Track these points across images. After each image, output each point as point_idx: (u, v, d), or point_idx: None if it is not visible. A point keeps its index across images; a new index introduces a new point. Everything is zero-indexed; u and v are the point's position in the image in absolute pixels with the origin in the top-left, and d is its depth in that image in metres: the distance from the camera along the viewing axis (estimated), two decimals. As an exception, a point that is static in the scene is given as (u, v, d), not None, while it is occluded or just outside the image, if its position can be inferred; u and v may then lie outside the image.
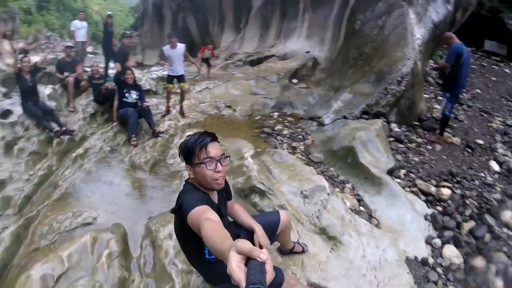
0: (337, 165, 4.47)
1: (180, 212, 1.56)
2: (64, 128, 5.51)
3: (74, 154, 4.98)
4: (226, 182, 1.92)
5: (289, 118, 6.37)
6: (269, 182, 3.55)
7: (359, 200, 3.87)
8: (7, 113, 5.62)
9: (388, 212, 3.64)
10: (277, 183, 3.59)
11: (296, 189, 3.43)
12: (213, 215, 1.38)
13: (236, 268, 0.81)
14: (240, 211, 2.05)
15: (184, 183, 1.75)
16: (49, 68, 9.07)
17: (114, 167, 4.72)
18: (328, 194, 3.38)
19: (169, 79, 6.29)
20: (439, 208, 3.96)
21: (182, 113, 6.32)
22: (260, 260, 0.82)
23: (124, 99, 5.67)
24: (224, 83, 8.13)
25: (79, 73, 6.64)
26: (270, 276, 0.81)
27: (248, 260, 0.83)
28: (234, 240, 0.99)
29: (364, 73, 6.45)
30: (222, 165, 1.61)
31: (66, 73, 6.57)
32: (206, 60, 9.92)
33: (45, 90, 6.51)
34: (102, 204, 3.62)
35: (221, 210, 1.79)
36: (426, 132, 5.74)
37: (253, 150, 4.34)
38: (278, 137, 5.38)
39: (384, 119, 5.66)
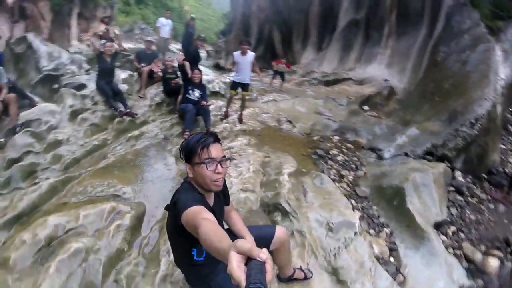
0: (381, 204, 4.14)
1: (174, 210, 1.60)
2: (128, 110, 6.13)
3: (130, 134, 5.52)
4: (225, 185, 1.95)
5: (348, 145, 6.11)
6: (296, 204, 3.45)
7: (392, 250, 3.49)
8: (82, 86, 6.55)
9: (420, 272, 3.24)
10: (306, 207, 3.48)
11: (324, 218, 3.28)
12: (209, 215, 1.40)
13: (236, 268, 0.82)
14: (235, 219, 2.03)
15: (182, 181, 1.81)
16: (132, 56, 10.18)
17: (161, 153, 5.08)
18: (356, 233, 3.17)
19: (234, 85, 6.55)
20: (480, 282, 3.40)
21: (240, 119, 6.53)
22: (260, 260, 0.83)
23: (187, 95, 6.09)
24: (292, 98, 8.23)
25: (154, 66, 7.27)
26: (270, 275, 0.82)
27: (248, 260, 0.84)
28: None
29: (439, 110, 5.99)
30: (222, 167, 1.63)
31: (142, 64, 7.27)
32: (280, 74, 10.11)
33: (121, 74, 7.36)
34: (136, 183, 3.93)
35: (216, 214, 1.78)
36: (492, 187, 5.10)
37: (294, 168, 4.30)
38: (329, 162, 5.19)
39: (449, 165, 5.11)
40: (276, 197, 3.52)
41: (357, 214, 3.74)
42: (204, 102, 6.07)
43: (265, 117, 7.17)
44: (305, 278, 2.56)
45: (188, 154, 1.65)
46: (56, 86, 6.87)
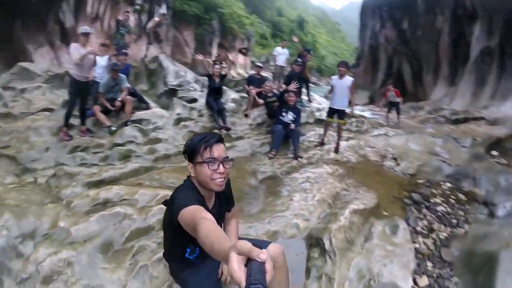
0: (463, 277, 3.30)
1: (171, 206, 1.70)
2: (225, 125, 6.95)
3: None
4: (230, 190, 2.02)
5: (460, 195, 5.29)
6: (343, 245, 3.15)
7: None
8: (193, 100, 7.82)
9: None
10: (356, 253, 3.17)
11: (368, 272, 2.92)
12: (208, 215, 1.46)
13: (237, 269, 0.87)
14: (231, 228, 2.06)
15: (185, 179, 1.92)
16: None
17: (240, 165, 5.44)
18: None
19: (330, 112, 6.59)
20: None
21: (336, 149, 6.47)
22: (260, 260, 0.87)
23: (281, 117, 6.44)
24: (406, 134, 7.70)
25: (261, 90, 8.01)
26: (270, 276, 0.86)
27: (248, 260, 0.89)
28: None
29: None
30: (224, 167, 1.70)
31: (251, 86, 8.13)
32: (395, 105, 9.59)
33: (232, 94, 8.32)
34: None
35: (214, 217, 1.87)
36: None
37: (367, 207, 3.99)
38: (424, 210, 4.61)
39: None
40: (323, 231, 3.30)
41: (424, 281, 3.16)
42: (292, 125, 6.27)
43: (368, 150, 6.91)
44: None
45: (191, 153, 1.73)
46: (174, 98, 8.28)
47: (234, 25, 23.91)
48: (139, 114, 6.54)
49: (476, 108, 10.56)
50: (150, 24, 10.37)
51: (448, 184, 5.57)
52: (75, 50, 5.30)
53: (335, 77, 6.43)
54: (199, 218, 1.39)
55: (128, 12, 9.73)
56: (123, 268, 2.50)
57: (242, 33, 25.74)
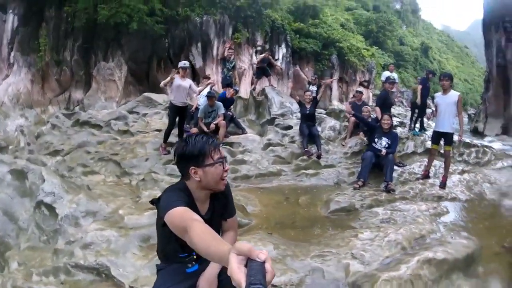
0: None
1: (158, 206, 1.63)
2: (318, 151, 6.76)
3: (306, 171, 6.09)
4: (229, 195, 1.84)
5: None
6: None
7: None
8: (289, 127, 7.87)
9: None
10: None
11: None
12: (197, 217, 1.40)
13: (236, 270, 0.85)
14: (228, 237, 1.85)
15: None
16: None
17: (315, 195, 5.25)
18: None
19: (434, 136, 5.58)
20: None
21: (442, 184, 5.32)
22: (259, 260, 0.86)
23: (373, 144, 5.81)
24: None
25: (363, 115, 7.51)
26: (270, 276, 0.84)
27: (248, 260, 0.87)
28: None
29: None
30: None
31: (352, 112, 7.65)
32: None
33: (330, 121, 8.05)
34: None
35: (206, 223, 1.72)
36: None
37: (446, 257, 2.83)
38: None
39: None
40: (368, 278, 2.59)
41: None
42: (384, 151, 5.55)
43: (486, 187, 5.49)
44: None
45: (197, 157, 1.60)
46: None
47: (354, 58, 23.31)
48: (233, 138, 6.99)
49: None
50: (257, 60, 11.16)
51: None
52: (174, 83, 6.23)
53: (438, 94, 5.50)
54: (190, 219, 1.33)
55: (231, 49, 10.68)
56: (148, 259, 2.71)
57: (363, 66, 24.95)
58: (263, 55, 11.20)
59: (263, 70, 11.23)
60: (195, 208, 1.64)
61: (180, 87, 6.27)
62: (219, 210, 1.80)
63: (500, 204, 5.07)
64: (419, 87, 8.66)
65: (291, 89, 19.95)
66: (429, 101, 9.28)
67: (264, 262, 0.84)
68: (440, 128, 5.36)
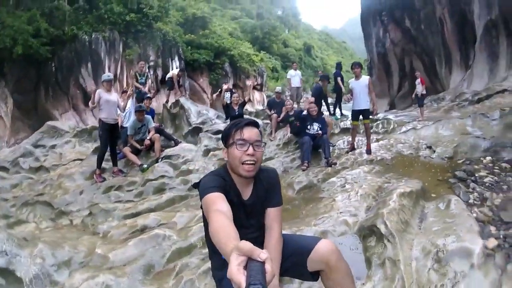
0: None
1: (198, 189, 1.62)
2: None
3: None
4: (275, 184, 1.76)
5: (503, 165, 4.94)
6: (399, 227, 2.84)
7: None
8: (219, 132, 7.72)
9: None
10: (415, 233, 2.87)
11: (433, 246, 2.58)
12: (223, 206, 1.37)
13: (236, 271, 0.84)
14: (272, 237, 1.71)
15: None
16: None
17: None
18: (472, 265, 2.32)
19: (354, 114, 6.36)
20: None
21: (368, 151, 6.16)
22: (260, 260, 0.85)
23: (307, 130, 6.29)
24: (434, 123, 7.38)
25: (284, 112, 7.94)
26: (270, 276, 0.83)
27: (249, 260, 0.87)
28: None
29: None
30: (254, 150, 1.56)
31: (273, 111, 8.11)
32: (417, 98, 9.29)
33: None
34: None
35: (247, 208, 1.68)
36: None
37: (413, 189, 3.67)
38: (471, 185, 4.26)
39: None
40: (373, 218, 3.00)
41: (492, 242, 2.75)
42: (319, 131, 6.10)
43: (401, 147, 6.54)
44: None
45: (224, 137, 1.66)
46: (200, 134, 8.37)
47: (245, 64, 24.46)
48: (169, 151, 6.58)
49: (496, 82, 10.12)
50: (169, 75, 10.87)
51: (489, 158, 5.24)
52: (97, 94, 5.53)
53: (352, 80, 6.29)
54: (212, 211, 1.33)
55: (143, 62, 10.17)
56: (167, 287, 2.27)
57: (254, 71, 26.31)
58: (176, 72, 10.99)
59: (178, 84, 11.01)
60: (235, 192, 1.63)
61: (109, 102, 5.60)
62: (262, 197, 1.72)
63: (417, 155, 6.06)
64: (339, 78, 9.85)
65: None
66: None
67: (264, 262, 0.84)
68: (358, 107, 6.17)
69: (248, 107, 26.49)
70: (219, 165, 6.33)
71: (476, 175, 4.55)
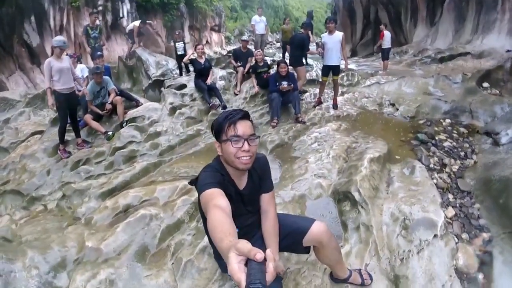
0: (485, 202, 3.36)
1: (196, 187, 1.67)
2: (222, 103, 6.73)
3: None
4: (266, 170, 1.89)
5: (461, 129, 5.41)
6: (371, 194, 3.14)
7: (483, 263, 2.71)
8: (182, 86, 7.42)
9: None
10: (384, 198, 3.17)
11: (400, 213, 2.90)
12: (222, 202, 1.41)
13: (236, 269, 0.85)
14: (269, 220, 1.91)
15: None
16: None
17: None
18: (435, 236, 2.66)
19: (324, 70, 6.42)
20: None
21: (335, 105, 6.41)
22: (257, 261, 0.85)
23: (277, 87, 6.24)
24: (398, 79, 7.69)
25: (250, 63, 7.74)
26: (270, 275, 0.83)
27: (248, 259, 0.87)
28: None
29: None
30: (249, 145, 1.60)
31: (239, 62, 7.82)
32: (381, 50, 9.49)
33: (219, 72, 8.03)
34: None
35: (244, 198, 1.79)
36: None
37: (381, 154, 3.97)
38: (432, 148, 4.69)
39: None
40: (347, 184, 3.27)
41: (450, 212, 3.20)
42: (285, 86, 6.11)
43: (365, 101, 6.94)
44: (362, 284, 2.30)
45: (217, 131, 1.66)
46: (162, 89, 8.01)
47: (202, 4, 22.90)
48: (132, 113, 6.28)
49: (459, 44, 10.46)
50: (130, 27, 10.04)
51: (448, 120, 5.73)
52: (48, 65, 4.96)
53: (325, 34, 6.24)
54: (211, 206, 1.36)
55: (96, 13, 9.22)
56: (166, 269, 2.37)
57: (211, 11, 24.84)
58: (137, 24, 10.26)
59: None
60: (232, 185, 1.72)
61: (62, 70, 5.05)
62: (257, 185, 1.86)
63: (381, 112, 6.44)
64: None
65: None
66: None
67: (264, 261, 0.85)
68: (329, 62, 6.21)
69: (206, 49, 25.40)
70: (187, 124, 6.24)
71: (436, 138, 4.96)
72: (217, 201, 1.40)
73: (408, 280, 2.42)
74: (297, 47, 7.00)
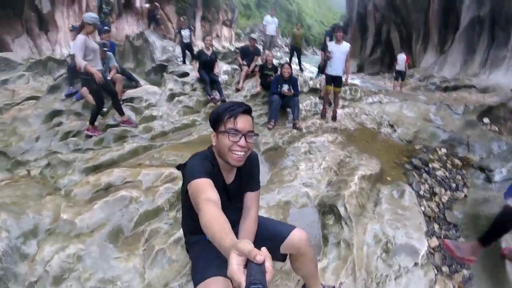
0: (470, 237, 3.35)
1: (183, 172, 1.63)
2: (222, 98, 6.65)
3: None
4: (255, 169, 1.87)
5: (456, 161, 5.42)
6: (357, 211, 3.12)
7: None
8: (185, 74, 7.41)
9: None
10: (369, 218, 3.15)
11: (384, 236, 2.88)
12: (213, 195, 1.39)
13: (236, 270, 0.86)
14: (249, 218, 1.85)
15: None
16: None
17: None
18: (416, 264, 2.65)
19: (328, 79, 6.35)
20: None
21: (334, 117, 6.41)
22: (258, 262, 0.85)
23: (278, 90, 6.21)
24: (400, 101, 7.71)
25: (255, 62, 7.73)
26: (270, 275, 0.84)
27: (248, 260, 0.88)
28: None
29: None
30: (246, 141, 1.57)
31: (245, 60, 7.78)
32: (400, 73, 9.58)
33: (224, 66, 7.98)
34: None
35: (229, 193, 1.76)
36: None
37: (373, 173, 3.97)
38: (424, 175, 4.68)
39: None
40: (335, 198, 3.25)
41: (434, 242, 3.17)
42: (286, 90, 6.07)
43: (365, 118, 6.96)
44: None
45: (215, 121, 1.62)
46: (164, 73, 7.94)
47: (217, -4, 22.92)
48: (130, 93, 6.23)
49: (466, 76, 10.62)
50: (146, 6, 9.93)
51: (444, 150, 5.74)
52: (83, 43, 4.55)
53: (332, 43, 6.20)
54: (203, 199, 1.34)
55: None
56: (137, 255, 2.32)
57: (226, 4, 24.80)
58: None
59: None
60: (220, 177, 1.68)
61: (96, 50, 4.78)
62: (244, 182, 1.83)
63: (378, 131, 6.44)
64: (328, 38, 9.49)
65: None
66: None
67: (264, 262, 0.86)
68: (334, 72, 6.17)
69: (215, 43, 25.25)
70: (184, 113, 6.20)
71: (430, 165, 4.97)
72: (209, 194, 1.37)
73: (382, 305, 2.37)
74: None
